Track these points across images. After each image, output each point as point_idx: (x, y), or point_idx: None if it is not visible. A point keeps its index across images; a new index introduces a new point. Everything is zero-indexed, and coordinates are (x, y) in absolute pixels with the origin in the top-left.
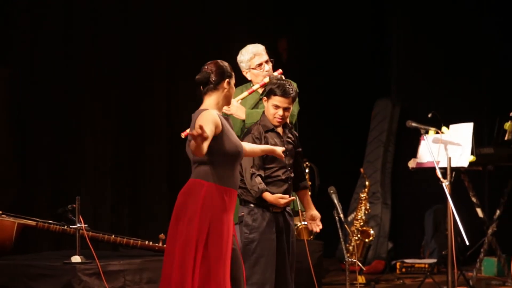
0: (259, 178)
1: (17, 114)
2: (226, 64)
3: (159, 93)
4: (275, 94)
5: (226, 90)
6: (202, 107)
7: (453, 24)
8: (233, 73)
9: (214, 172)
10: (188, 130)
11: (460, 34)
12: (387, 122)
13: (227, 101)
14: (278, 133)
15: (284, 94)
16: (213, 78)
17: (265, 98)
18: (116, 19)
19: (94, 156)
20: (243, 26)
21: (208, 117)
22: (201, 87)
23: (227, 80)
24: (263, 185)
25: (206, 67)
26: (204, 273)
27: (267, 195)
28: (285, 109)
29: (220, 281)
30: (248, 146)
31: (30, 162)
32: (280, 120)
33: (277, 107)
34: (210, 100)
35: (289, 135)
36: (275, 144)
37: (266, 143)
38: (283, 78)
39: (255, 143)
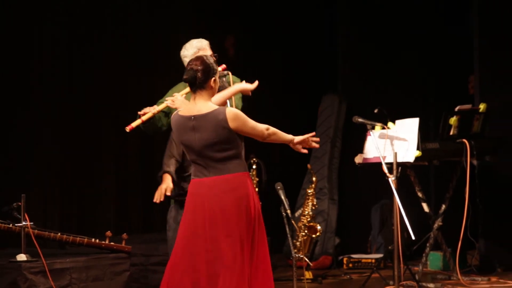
0: (173, 160)
1: None
2: (211, 61)
3: (105, 87)
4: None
5: (212, 87)
6: (199, 108)
7: (397, 17)
8: (217, 69)
9: (243, 163)
10: (133, 124)
11: (404, 27)
12: (334, 117)
13: (212, 96)
14: None
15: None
16: (199, 77)
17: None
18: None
19: (41, 153)
20: (190, 20)
21: (244, 117)
22: (189, 87)
23: (213, 78)
24: (168, 168)
25: (192, 64)
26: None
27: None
28: None
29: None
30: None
31: None
32: None
33: None
34: (203, 100)
35: None
36: None
37: None
38: (230, 74)
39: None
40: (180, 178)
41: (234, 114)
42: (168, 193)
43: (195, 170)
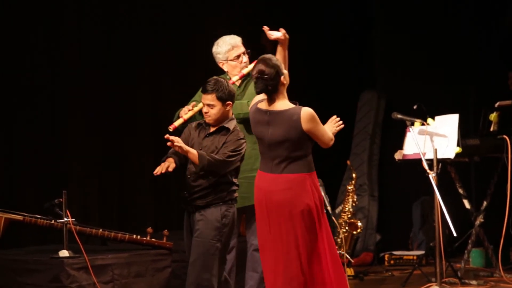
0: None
1: (3, 107)
2: (274, 60)
3: (143, 87)
4: (205, 92)
5: (284, 84)
6: (276, 103)
7: (438, 15)
8: (281, 65)
9: (309, 163)
10: (176, 123)
11: (444, 24)
12: (373, 114)
13: (285, 89)
14: (206, 131)
15: (204, 90)
16: (270, 82)
17: None
18: (97, 16)
19: (82, 150)
20: (226, 17)
21: (317, 119)
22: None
23: (282, 76)
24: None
25: (257, 74)
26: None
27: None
28: (208, 105)
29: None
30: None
31: (17, 156)
32: (205, 117)
33: (204, 105)
34: (281, 97)
35: (218, 136)
36: (192, 139)
37: (188, 136)
38: None
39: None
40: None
41: (308, 115)
42: (170, 169)
43: (262, 163)
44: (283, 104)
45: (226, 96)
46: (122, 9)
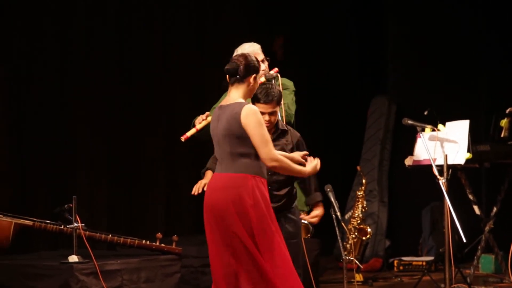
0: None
1: (14, 114)
2: (254, 59)
3: (157, 91)
4: (258, 101)
5: (251, 84)
6: (230, 99)
7: (449, 20)
8: (260, 69)
9: (256, 164)
10: (188, 134)
11: (455, 30)
12: (384, 119)
13: (250, 95)
14: None
15: (266, 100)
16: (241, 70)
17: None
18: (112, 17)
19: (90, 156)
20: (239, 23)
21: (257, 116)
22: (228, 78)
23: (254, 75)
24: (210, 165)
25: (236, 58)
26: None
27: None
28: (270, 114)
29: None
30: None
31: (26, 162)
32: (268, 125)
33: (262, 113)
34: (237, 93)
35: (283, 140)
36: None
37: None
38: (279, 76)
39: None
40: None
41: (248, 110)
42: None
43: (217, 164)
44: (235, 98)
45: (281, 97)
46: (135, 15)
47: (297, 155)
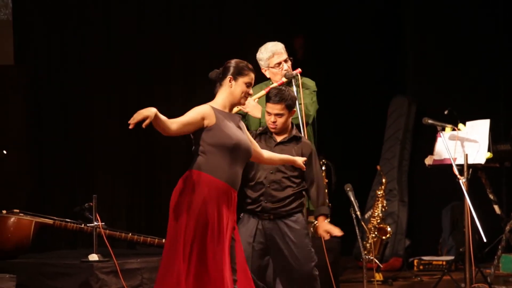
0: None
1: (33, 113)
2: (237, 61)
3: (174, 90)
4: (268, 101)
5: (230, 87)
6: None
7: (468, 19)
8: (247, 72)
9: (207, 163)
10: None
11: (475, 29)
12: (404, 119)
13: (233, 98)
14: (273, 139)
15: (274, 100)
16: (220, 74)
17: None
18: (130, 19)
19: (110, 155)
20: (259, 22)
21: (195, 108)
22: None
23: (230, 76)
24: None
25: (229, 61)
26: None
27: None
28: (277, 115)
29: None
30: (266, 153)
31: (46, 161)
32: (273, 126)
33: (269, 113)
34: (217, 97)
35: (292, 145)
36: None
37: None
38: (299, 77)
39: None
40: (247, 187)
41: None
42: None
43: None
44: (210, 103)
45: (293, 104)
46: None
47: (299, 159)
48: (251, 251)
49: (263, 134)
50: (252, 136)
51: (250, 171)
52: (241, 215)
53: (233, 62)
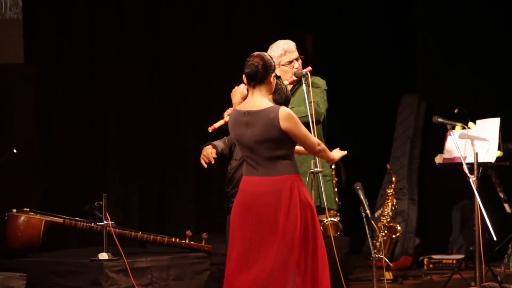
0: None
1: (43, 113)
2: (269, 57)
3: (185, 88)
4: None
5: (272, 83)
6: (256, 104)
7: (478, 17)
8: (275, 67)
9: (294, 164)
10: (215, 125)
11: (485, 27)
12: (414, 117)
13: (270, 93)
14: None
15: (274, 95)
16: (260, 72)
17: None
18: (141, 18)
19: (120, 154)
20: (270, 21)
21: (296, 119)
22: (247, 81)
23: (272, 74)
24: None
25: (252, 60)
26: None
27: None
28: None
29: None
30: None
31: (57, 159)
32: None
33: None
34: (261, 95)
35: None
36: None
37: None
38: (309, 75)
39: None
40: (231, 195)
41: (286, 114)
42: (213, 157)
43: (247, 168)
44: (262, 102)
45: (282, 101)
46: (164, 14)
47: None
48: None
49: None
50: None
51: (238, 172)
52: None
53: (269, 58)
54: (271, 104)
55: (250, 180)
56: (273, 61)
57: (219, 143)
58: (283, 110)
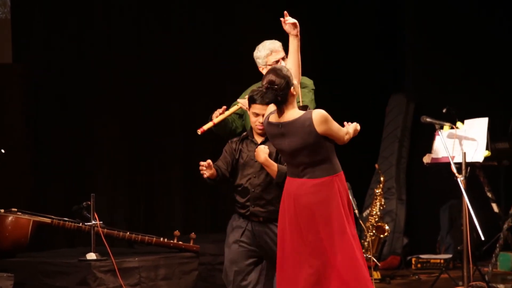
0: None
1: (31, 112)
2: (285, 72)
3: (174, 89)
4: (254, 102)
5: (294, 95)
6: (289, 116)
7: (467, 17)
8: (291, 76)
9: (334, 163)
10: (204, 127)
11: (474, 27)
12: (402, 117)
13: (295, 101)
14: (253, 143)
15: (262, 102)
16: (280, 93)
17: (247, 107)
18: (130, 19)
19: (109, 154)
20: (257, 21)
21: (329, 118)
22: (274, 104)
23: (292, 87)
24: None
25: (267, 83)
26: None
27: None
28: (259, 115)
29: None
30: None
31: (45, 159)
32: (262, 128)
33: (257, 115)
34: (289, 108)
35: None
36: (241, 153)
37: (239, 157)
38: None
39: (228, 157)
40: (236, 192)
41: (321, 117)
42: (207, 174)
43: (289, 170)
44: (293, 113)
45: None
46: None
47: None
48: (238, 251)
49: (245, 139)
50: (235, 143)
51: (235, 177)
52: (233, 215)
53: (285, 72)
54: (301, 112)
55: (293, 181)
56: (289, 74)
57: (221, 166)
58: (316, 114)
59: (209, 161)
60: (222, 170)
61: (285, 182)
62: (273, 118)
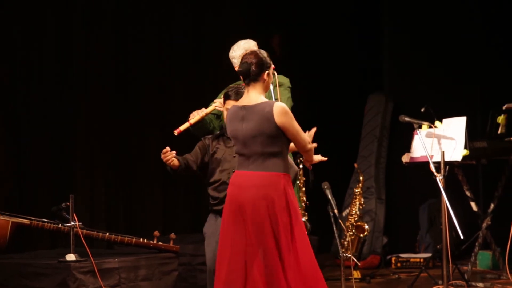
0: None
1: (12, 112)
2: (265, 54)
3: (154, 89)
4: (228, 98)
5: (266, 80)
6: (251, 100)
7: (444, 18)
8: (271, 63)
9: (284, 163)
10: (181, 128)
11: (451, 27)
12: (381, 117)
13: (266, 90)
14: (230, 139)
15: (237, 98)
16: (253, 69)
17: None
18: (109, 16)
19: (88, 154)
20: (237, 21)
21: (290, 114)
22: (242, 79)
23: (266, 71)
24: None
25: (246, 58)
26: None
27: None
28: None
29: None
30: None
31: (24, 160)
32: None
33: None
34: (256, 92)
35: None
36: (217, 150)
37: (214, 153)
38: (275, 74)
39: (198, 151)
40: (211, 188)
41: (281, 109)
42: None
43: (239, 163)
44: (257, 98)
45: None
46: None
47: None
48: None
49: (221, 136)
50: (209, 141)
51: (211, 174)
52: (209, 215)
53: (265, 56)
54: (265, 99)
55: (240, 174)
56: (269, 59)
57: (189, 157)
58: (278, 105)
59: (167, 148)
60: (189, 161)
61: (232, 175)
62: (239, 102)
